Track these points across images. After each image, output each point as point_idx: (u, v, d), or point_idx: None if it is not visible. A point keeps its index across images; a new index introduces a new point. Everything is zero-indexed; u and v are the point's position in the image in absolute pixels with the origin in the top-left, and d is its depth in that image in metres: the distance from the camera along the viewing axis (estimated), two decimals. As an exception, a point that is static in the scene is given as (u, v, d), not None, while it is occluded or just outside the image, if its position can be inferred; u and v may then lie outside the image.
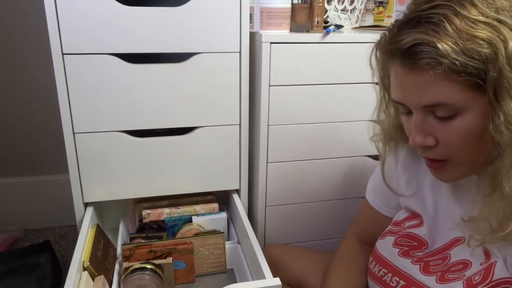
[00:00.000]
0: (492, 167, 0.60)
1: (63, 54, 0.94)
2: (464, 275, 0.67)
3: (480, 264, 0.66)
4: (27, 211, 1.70)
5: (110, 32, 0.95)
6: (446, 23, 0.55)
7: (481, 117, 0.57)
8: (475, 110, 0.57)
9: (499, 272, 0.63)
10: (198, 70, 1.03)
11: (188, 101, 1.05)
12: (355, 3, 1.20)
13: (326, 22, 1.16)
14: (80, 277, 0.85)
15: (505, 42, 0.53)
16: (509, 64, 0.53)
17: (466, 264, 0.68)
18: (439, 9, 0.56)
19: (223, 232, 1.08)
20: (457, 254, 0.70)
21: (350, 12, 1.21)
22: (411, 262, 0.74)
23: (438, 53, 0.54)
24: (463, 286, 0.66)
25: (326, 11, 1.15)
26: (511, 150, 0.56)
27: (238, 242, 1.11)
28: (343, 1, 1.18)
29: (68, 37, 0.93)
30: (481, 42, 0.53)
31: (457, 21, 0.54)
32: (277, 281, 0.82)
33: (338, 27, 1.11)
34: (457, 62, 0.54)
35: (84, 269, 0.88)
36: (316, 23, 1.10)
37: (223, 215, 1.15)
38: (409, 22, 0.58)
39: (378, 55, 0.68)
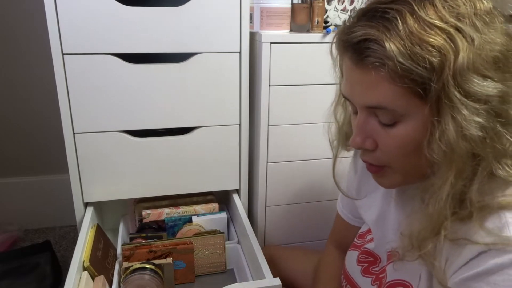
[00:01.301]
0: (424, 183, 0.55)
1: (63, 54, 0.94)
2: None
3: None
4: (27, 211, 1.70)
5: (110, 32, 0.95)
6: (399, 21, 0.50)
7: (423, 127, 0.53)
8: (417, 119, 0.53)
9: None
10: (198, 70, 1.03)
11: (188, 101, 1.05)
12: (355, 3, 1.20)
13: (326, 22, 1.16)
14: (80, 277, 0.85)
15: (456, 53, 0.48)
16: (455, 78, 0.48)
17: (406, 286, 0.64)
18: (396, 4, 0.51)
19: (223, 232, 1.08)
20: (391, 274, 0.67)
21: (350, 12, 1.20)
22: (371, 282, 0.73)
23: (385, 53, 0.50)
24: None
25: (326, 11, 1.15)
26: (440, 171, 0.52)
27: (238, 242, 1.11)
28: (343, 1, 1.18)
29: (68, 37, 0.93)
30: (431, 49, 0.48)
31: (411, 21, 0.49)
32: (277, 281, 0.82)
33: (338, 27, 1.11)
34: (401, 66, 0.49)
35: (84, 269, 0.88)
36: (316, 23, 1.10)
37: (223, 215, 1.15)
38: (366, 13, 0.54)
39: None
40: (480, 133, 0.49)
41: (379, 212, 0.73)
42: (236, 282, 1.04)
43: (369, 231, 0.78)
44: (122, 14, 0.94)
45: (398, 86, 0.51)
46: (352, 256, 0.79)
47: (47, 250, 1.46)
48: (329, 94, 1.12)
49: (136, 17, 0.95)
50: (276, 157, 1.14)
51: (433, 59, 0.48)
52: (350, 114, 0.68)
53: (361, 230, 0.82)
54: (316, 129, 1.14)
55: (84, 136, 1.01)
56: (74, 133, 1.00)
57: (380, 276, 0.71)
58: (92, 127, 1.01)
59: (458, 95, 0.48)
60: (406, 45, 0.49)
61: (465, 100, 0.49)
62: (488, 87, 0.49)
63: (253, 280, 0.95)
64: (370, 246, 0.76)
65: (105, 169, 1.05)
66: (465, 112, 0.49)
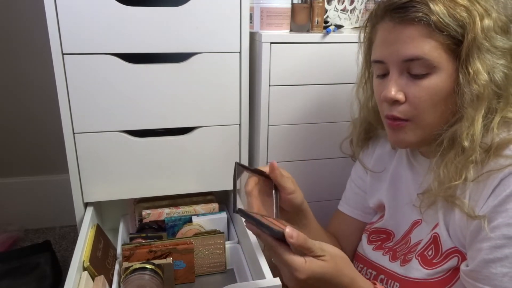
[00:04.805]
0: (451, 130, 0.65)
1: (63, 54, 0.94)
2: (416, 249, 0.73)
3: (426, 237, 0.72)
4: (27, 211, 1.71)
5: (110, 32, 0.95)
6: None
7: (449, 79, 0.64)
8: (445, 71, 0.64)
9: (445, 244, 0.69)
10: (198, 70, 1.03)
11: (188, 101, 1.05)
12: (355, 3, 1.20)
13: (326, 22, 1.16)
14: (80, 277, 0.85)
15: (481, 17, 0.62)
16: (483, 32, 0.62)
17: (419, 242, 0.74)
18: None
19: (223, 232, 1.08)
20: (415, 236, 0.75)
21: (350, 12, 1.21)
22: (382, 253, 0.81)
23: (430, 11, 0.62)
24: (419, 263, 0.71)
25: (326, 11, 1.15)
26: (467, 114, 0.63)
27: (238, 242, 1.11)
28: (343, 1, 1.18)
29: (68, 37, 0.93)
30: (465, 14, 0.62)
31: None
32: (277, 281, 0.82)
33: (338, 27, 1.11)
34: (443, 22, 0.62)
35: (84, 269, 0.88)
36: (316, 23, 1.10)
37: (223, 215, 1.14)
38: None
39: (368, 27, 0.75)
40: (503, 75, 0.63)
41: (390, 182, 0.83)
42: (236, 282, 1.04)
43: (379, 218, 0.85)
44: (122, 14, 0.94)
45: (436, 40, 0.63)
46: (363, 240, 0.87)
47: (47, 250, 1.46)
48: (329, 94, 1.13)
49: (136, 17, 0.95)
50: (276, 157, 1.14)
51: (467, 19, 0.62)
52: (370, 95, 0.81)
53: (371, 221, 0.90)
54: (316, 129, 1.14)
55: (84, 136, 1.01)
56: (74, 133, 1.00)
57: (394, 248, 0.79)
58: (92, 127, 1.01)
59: (487, 44, 0.62)
60: (446, 6, 0.63)
61: (491, 48, 0.62)
62: (506, 42, 0.64)
63: (253, 280, 0.95)
64: (381, 225, 0.84)
65: (105, 169, 1.05)
66: (491, 57, 0.63)
